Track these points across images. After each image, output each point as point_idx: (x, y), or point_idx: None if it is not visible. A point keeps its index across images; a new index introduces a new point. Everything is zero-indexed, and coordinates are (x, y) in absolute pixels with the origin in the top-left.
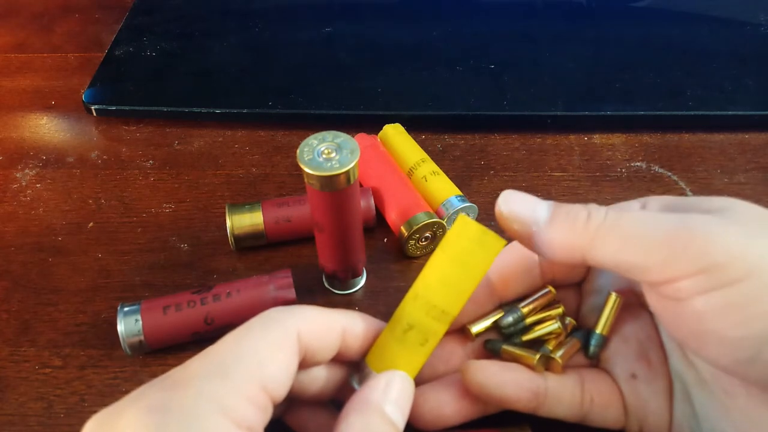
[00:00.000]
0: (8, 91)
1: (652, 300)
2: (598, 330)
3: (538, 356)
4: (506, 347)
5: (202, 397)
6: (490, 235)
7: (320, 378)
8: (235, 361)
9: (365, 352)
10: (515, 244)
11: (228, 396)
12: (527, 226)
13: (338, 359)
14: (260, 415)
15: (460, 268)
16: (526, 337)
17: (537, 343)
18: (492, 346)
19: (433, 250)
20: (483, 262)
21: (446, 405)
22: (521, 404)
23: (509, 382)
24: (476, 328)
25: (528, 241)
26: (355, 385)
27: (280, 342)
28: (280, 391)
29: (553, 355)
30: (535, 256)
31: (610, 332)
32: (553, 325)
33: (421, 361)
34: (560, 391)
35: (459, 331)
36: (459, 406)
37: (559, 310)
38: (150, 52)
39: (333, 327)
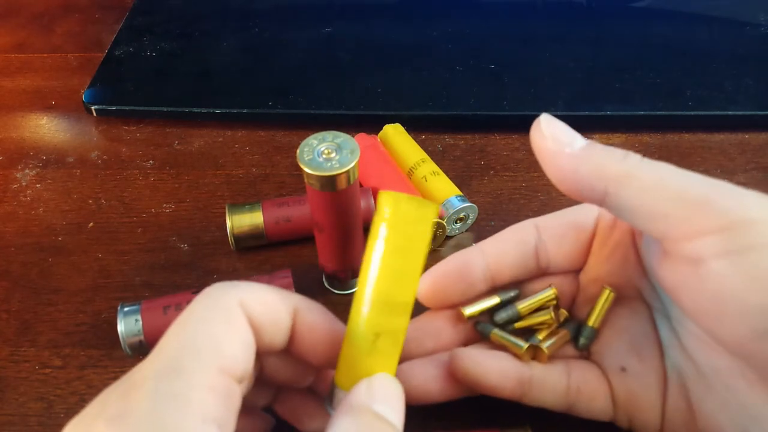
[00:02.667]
0: (8, 91)
1: (666, 269)
2: (590, 323)
3: (525, 346)
4: (496, 333)
5: (160, 397)
6: (421, 202)
7: (290, 365)
8: (185, 352)
9: (322, 354)
10: (510, 228)
11: (186, 391)
12: (561, 146)
13: (297, 355)
14: (225, 402)
15: (404, 250)
16: (518, 325)
17: (528, 332)
18: (482, 329)
19: (433, 251)
20: (424, 233)
21: (433, 382)
22: (506, 392)
23: (494, 370)
24: (469, 311)
25: (555, 161)
26: (330, 412)
27: (225, 317)
28: (241, 368)
29: (540, 345)
30: (532, 240)
31: (603, 325)
32: (544, 316)
33: (396, 360)
34: (545, 380)
35: (451, 309)
36: (445, 384)
37: (553, 300)
38: (150, 52)
39: (281, 302)
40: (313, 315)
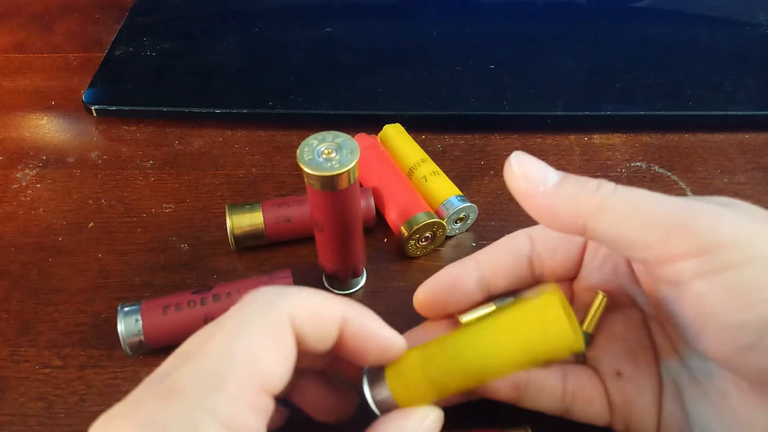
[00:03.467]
0: (8, 91)
1: (650, 287)
2: (584, 327)
3: None
4: None
5: (200, 410)
6: (576, 332)
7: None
8: (230, 365)
9: (365, 353)
10: (504, 238)
11: (226, 407)
12: (535, 186)
13: (337, 353)
14: (260, 415)
15: (523, 352)
16: None
17: None
18: None
19: (433, 251)
20: (551, 351)
21: None
22: (502, 394)
23: None
24: (465, 318)
25: (531, 201)
26: (368, 395)
27: (274, 332)
28: (279, 385)
29: None
30: (525, 250)
31: (599, 332)
32: None
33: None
34: (541, 384)
35: (448, 317)
36: None
37: None
38: (150, 52)
39: (330, 313)
40: (361, 323)
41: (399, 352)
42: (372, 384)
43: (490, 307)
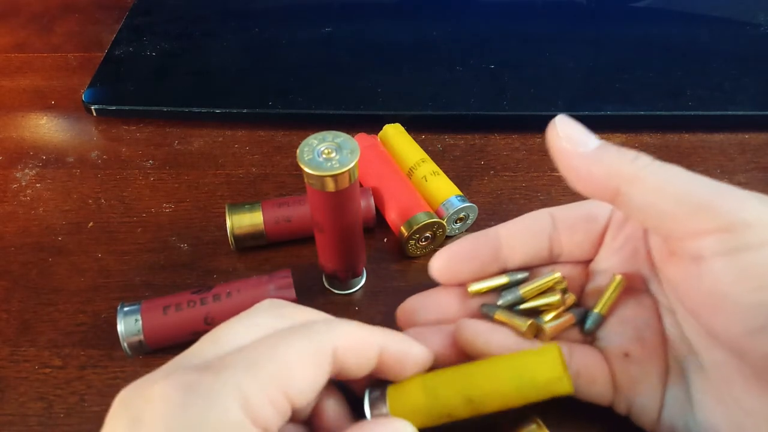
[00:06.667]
0: (8, 91)
1: (670, 266)
2: (597, 309)
3: (528, 323)
4: (499, 315)
5: (228, 386)
6: (566, 380)
7: None
8: (268, 363)
9: (399, 372)
10: (526, 215)
11: (251, 392)
12: (576, 146)
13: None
14: (277, 416)
15: (518, 389)
16: (523, 306)
17: (534, 313)
18: (487, 311)
19: (433, 251)
20: (542, 396)
21: (440, 349)
22: None
23: (495, 342)
24: (474, 287)
25: (569, 161)
26: (367, 408)
27: (315, 357)
28: (302, 401)
29: (542, 325)
30: (546, 228)
31: (610, 313)
32: (552, 297)
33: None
34: None
35: (461, 286)
36: (450, 352)
37: (560, 284)
38: (150, 52)
39: (370, 346)
40: (397, 350)
41: (427, 364)
42: (372, 404)
43: (502, 279)
